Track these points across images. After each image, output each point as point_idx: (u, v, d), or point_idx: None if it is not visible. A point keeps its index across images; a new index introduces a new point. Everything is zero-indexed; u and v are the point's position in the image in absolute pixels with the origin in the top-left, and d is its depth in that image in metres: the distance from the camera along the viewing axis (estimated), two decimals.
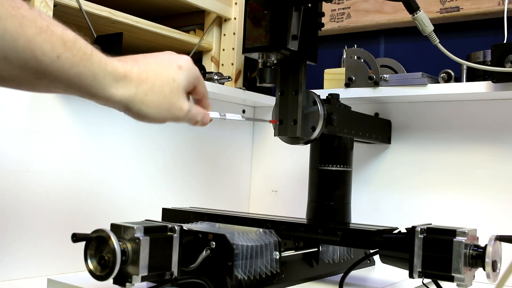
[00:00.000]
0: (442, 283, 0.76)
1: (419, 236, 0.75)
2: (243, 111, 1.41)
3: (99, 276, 0.67)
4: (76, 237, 0.66)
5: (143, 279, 0.68)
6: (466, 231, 0.72)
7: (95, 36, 1.09)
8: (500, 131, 1.10)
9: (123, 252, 0.66)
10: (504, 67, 0.98)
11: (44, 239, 0.96)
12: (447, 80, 1.13)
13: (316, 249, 0.93)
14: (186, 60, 0.71)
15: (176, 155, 1.23)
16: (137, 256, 0.67)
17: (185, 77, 0.69)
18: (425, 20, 0.93)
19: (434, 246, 0.74)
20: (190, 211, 1.03)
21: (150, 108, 0.66)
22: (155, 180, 1.18)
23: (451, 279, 0.72)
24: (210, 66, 1.41)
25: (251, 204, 1.43)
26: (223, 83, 1.28)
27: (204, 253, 0.77)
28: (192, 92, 0.74)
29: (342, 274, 0.85)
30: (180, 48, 1.38)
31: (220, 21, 1.43)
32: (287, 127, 0.95)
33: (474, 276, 0.74)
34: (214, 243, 0.78)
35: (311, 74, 1.09)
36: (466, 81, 1.13)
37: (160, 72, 0.67)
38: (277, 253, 0.84)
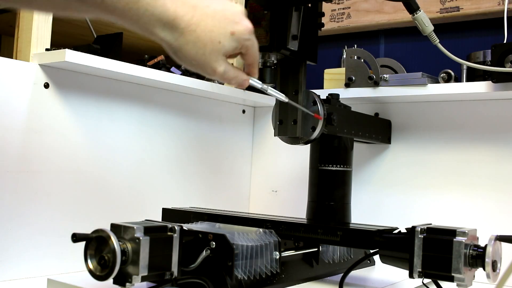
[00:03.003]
0: (442, 283, 0.76)
1: (419, 236, 0.75)
2: (243, 111, 1.41)
3: (99, 276, 0.67)
4: (76, 237, 0.66)
5: (143, 279, 0.68)
6: (466, 231, 0.72)
7: (95, 36, 1.09)
8: (500, 131, 1.10)
9: (123, 252, 0.66)
10: (504, 67, 0.98)
11: (44, 239, 0.96)
12: (447, 80, 1.13)
13: (316, 249, 0.93)
14: (243, 28, 0.68)
15: (176, 155, 1.23)
16: (137, 256, 0.67)
17: (233, 44, 0.68)
18: (425, 20, 0.93)
19: (434, 246, 0.74)
20: (190, 211, 1.03)
21: (184, 58, 0.66)
22: (155, 180, 1.18)
23: (451, 279, 0.72)
24: None
25: (251, 204, 1.43)
26: (223, 83, 1.28)
27: (204, 253, 0.77)
28: (242, 57, 0.73)
29: (342, 274, 0.85)
30: None
31: None
32: (287, 127, 0.95)
33: (474, 276, 0.74)
34: (214, 243, 0.78)
35: (311, 74, 1.09)
36: (466, 81, 1.13)
37: (211, 30, 0.65)
38: (277, 253, 0.84)
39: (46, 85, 0.98)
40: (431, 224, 0.79)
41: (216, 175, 1.34)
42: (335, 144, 1.03)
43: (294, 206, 1.25)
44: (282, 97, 0.84)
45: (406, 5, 0.93)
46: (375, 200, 1.24)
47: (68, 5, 0.54)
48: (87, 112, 1.04)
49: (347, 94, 1.18)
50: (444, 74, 1.13)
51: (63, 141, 1.00)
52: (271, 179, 1.40)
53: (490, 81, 1.02)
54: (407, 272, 0.76)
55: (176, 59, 0.67)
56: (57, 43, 1.02)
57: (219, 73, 0.69)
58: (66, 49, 0.93)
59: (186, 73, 1.21)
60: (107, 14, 0.57)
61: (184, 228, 0.75)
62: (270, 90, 0.81)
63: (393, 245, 0.80)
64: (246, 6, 0.91)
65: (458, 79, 1.14)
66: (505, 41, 1.11)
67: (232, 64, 0.72)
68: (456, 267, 0.71)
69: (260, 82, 0.79)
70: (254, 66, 0.76)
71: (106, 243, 0.66)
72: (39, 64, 0.96)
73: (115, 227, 0.69)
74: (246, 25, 0.69)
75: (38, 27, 0.98)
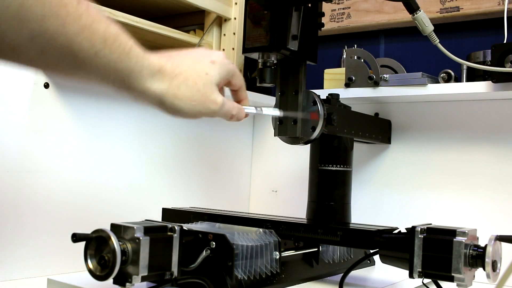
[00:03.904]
0: (442, 283, 0.76)
1: (419, 236, 0.75)
2: None
3: (99, 276, 0.67)
4: (76, 237, 0.66)
5: (143, 279, 0.68)
6: (466, 231, 0.72)
7: None
8: (500, 131, 1.10)
9: (123, 252, 0.66)
10: (504, 67, 0.98)
11: (44, 239, 0.96)
12: (447, 80, 1.13)
13: (316, 249, 0.93)
14: (218, 55, 0.71)
15: (176, 155, 1.23)
16: (137, 256, 0.67)
17: (218, 71, 0.69)
18: (425, 20, 0.93)
19: (434, 246, 0.74)
20: (190, 211, 1.03)
21: (183, 102, 0.66)
22: (155, 180, 1.18)
23: (451, 279, 0.72)
24: None
25: (251, 204, 1.43)
26: None
27: (204, 253, 0.77)
28: (228, 85, 0.75)
29: (342, 274, 0.85)
30: (180, 48, 1.38)
31: (220, 21, 1.43)
32: (287, 127, 0.95)
33: (474, 276, 0.74)
34: (214, 243, 0.78)
35: (311, 74, 1.09)
36: (466, 81, 1.13)
37: (193, 67, 0.67)
38: (277, 253, 0.84)
39: (46, 85, 0.97)
40: (431, 224, 0.79)
41: (216, 175, 1.34)
42: (335, 144, 1.03)
43: (294, 206, 1.25)
44: (277, 113, 0.85)
45: (406, 5, 0.93)
46: (375, 200, 1.24)
47: (60, 61, 0.53)
48: (87, 112, 1.04)
49: (347, 94, 1.18)
50: (444, 74, 1.13)
51: (63, 141, 1.00)
52: (271, 179, 1.40)
53: (490, 81, 1.02)
54: (407, 272, 0.76)
55: (174, 111, 0.67)
56: None
57: (219, 103, 0.69)
58: None
59: None
60: (99, 71, 0.57)
61: (184, 228, 0.75)
62: (265, 110, 0.82)
63: (393, 245, 0.80)
64: (246, 6, 0.92)
65: (458, 79, 1.14)
66: (505, 41, 1.11)
67: None
68: (456, 267, 0.71)
69: (254, 107, 0.79)
70: (244, 89, 0.77)
71: (106, 243, 0.66)
72: None
73: (115, 227, 0.69)
74: (219, 53, 0.72)
75: None
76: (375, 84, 1.16)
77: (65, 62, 0.54)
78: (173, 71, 0.65)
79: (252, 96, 1.33)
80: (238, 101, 0.78)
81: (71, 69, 0.56)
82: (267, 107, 0.84)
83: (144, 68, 0.61)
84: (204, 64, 0.68)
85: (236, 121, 0.76)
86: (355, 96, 1.19)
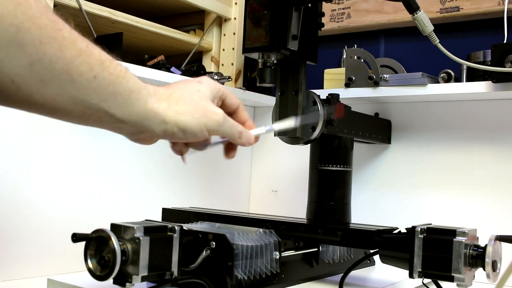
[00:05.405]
0: (442, 283, 0.76)
1: (419, 236, 0.75)
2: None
3: (99, 276, 0.67)
4: (76, 237, 0.66)
5: (143, 279, 0.68)
6: (466, 231, 0.72)
7: (95, 36, 1.09)
8: (500, 131, 1.10)
9: (123, 252, 0.66)
10: (504, 67, 0.98)
11: (44, 239, 0.96)
12: (447, 80, 1.13)
13: (316, 249, 0.93)
14: (204, 77, 0.70)
15: (176, 155, 1.22)
16: (137, 256, 0.67)
17: (208, 88, 0.68)
18: (425, 20, 0.93)
19: (434, 246, 0.74)
20: (190, 211, 1.03)
21: (186, 117, 0.63)
22: (155, 180, 1.18)
23: (451, 279, 0.72)
24: (210, 66, 1.41)
25: (251, 204, 1.43)
26: (223, 83, 1.28)
27: (204, 253, 0.77)
28: (223, 107, 0.71)
29: (342, 274, 0.85)
30: (180, 48, 1.38)
31: (220, 21, 1.43)
32: None
33: (474, 276, 0.74)
34: (214, 243, 0.78)
35: (311, 74, 1.09)
36: (466, 81, 1.13)
37: (184, 86, 0.66)
38: (277, 253, 0.84)
39: None
40: (431, 224, 0.79)
41: (216, 175, 1.34)
42: (335, 144, 1.03)
43: (294, 206, 1.25)
44: (292, 122, 0.83)
45: (406, 5, 0.93)
46: (375, 200, 1.24)
47: (60, 91, 0.52)
48: None
49: (347, 94, 1.18)
50: (444, 74, 1.13)
51: (63, 141, 1.00)
52: (271, 179, 1.40)
53: (490, 81, 1.02)
54: (407, 272, 0.76)
55: (179, 129, 0.64)
56: None
57: (221, 114, 0.67)
58: None
59: (186, 73, 1.21)
60: (99, 97, 0.55)
61: (184, 228, 0.75)
62: (276, 125, 0.80)
63: (393, 245, 0.80)
64: (246, 6, 0.92)
65: (458, 79, 1.14)
66: (505, 41, 1.11)
67: None
68: (456, 267, 0.71)
69: (262, 127, 0.75)
70: (242, 110, 0.73)
71: (106, 243, 0.66)
72: None
73: (115, 227, 0.69)
74: (205, 76, 0.71)
75: None
76: (375, 84, 1.16)
77: (64, 91, 0.52)
78: (167, 92, 0.64)
79: (252, 96, 1.33)
80: (240, 124, 0.72)
81: (72, 102, 0.54)
82: (276, 122, 0.80)
83: (142, 89, 0.60)
84: (193, 85, 0.68)
85: (247, 144, 0.72)
86: (355, 96, 1.19)
